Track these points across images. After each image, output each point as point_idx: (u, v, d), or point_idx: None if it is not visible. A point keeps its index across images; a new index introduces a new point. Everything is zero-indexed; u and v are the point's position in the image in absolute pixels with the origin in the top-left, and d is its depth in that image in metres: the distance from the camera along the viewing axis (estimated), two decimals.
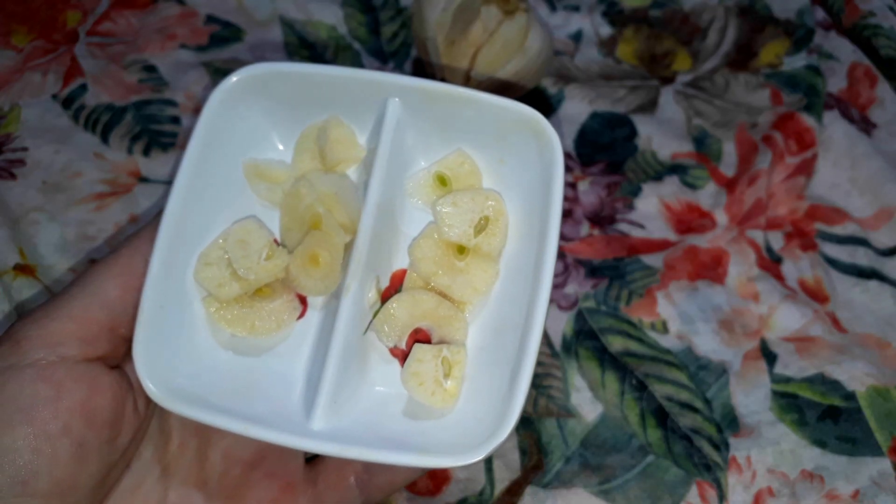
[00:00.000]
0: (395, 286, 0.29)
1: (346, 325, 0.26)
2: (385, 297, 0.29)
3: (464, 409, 0.27)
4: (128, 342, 0.25)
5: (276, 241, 0.29)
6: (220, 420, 0.24)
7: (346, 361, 0.26)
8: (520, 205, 0.29)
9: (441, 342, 0.28)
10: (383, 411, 0.27)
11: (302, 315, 0.29)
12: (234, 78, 0.27)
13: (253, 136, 0.29)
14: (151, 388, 0.25)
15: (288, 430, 0.24)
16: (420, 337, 0.28)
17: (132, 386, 0.26)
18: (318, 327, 0.29)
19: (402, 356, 0.28)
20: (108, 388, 0.25)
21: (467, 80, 0.43)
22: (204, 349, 0.28)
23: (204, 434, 0.29)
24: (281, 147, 0.30)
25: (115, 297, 0.25)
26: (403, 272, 0.29)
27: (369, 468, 0.29)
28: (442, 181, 0.29)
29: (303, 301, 0.29)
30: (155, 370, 0.25)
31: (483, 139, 0.28)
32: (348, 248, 0.28)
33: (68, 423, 0.23)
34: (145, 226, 0.27)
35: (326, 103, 0.29)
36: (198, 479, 0.28)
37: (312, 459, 0.31)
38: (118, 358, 0.26)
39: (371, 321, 0.28)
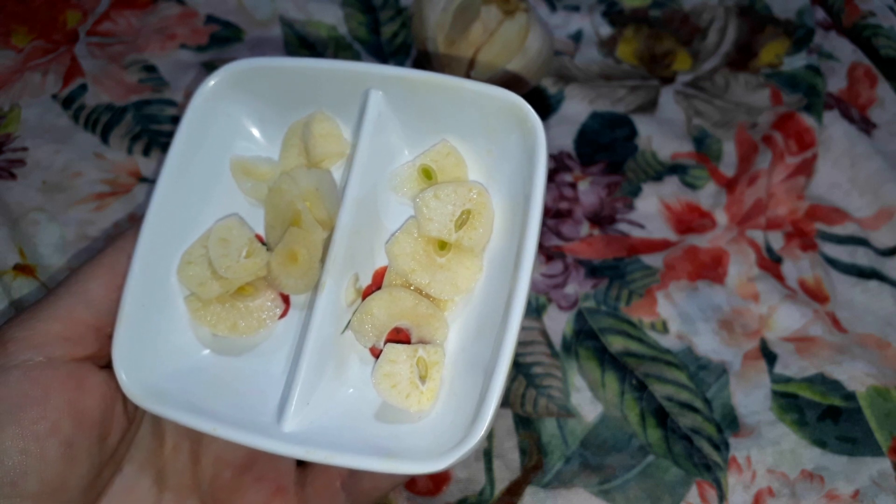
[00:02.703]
0: (377, 284, 0.28)
1: (321, 323, 0.25)
2: (366, 295, 0.28)
3: (441, 414, 0.26)
4: None
5: (260, 238, 0.29)
6: (190, 419, 0.24)
7: (321, 362, 0.26)
8: (507, 197, 0.28)
9: (420, 342, 0.27)
10: (359, 413, 0.26)
11: (284, 314, 0.29)
12: (214, 79, 0.27)
13: (239, 133, 0.29)
14: (127, 384, 0.25)
15: (256, 430, 0.24)
16: (400, 337, 0.28)
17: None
18: (299, 326, 0.28)
19: None
20: (96, 388, 0.25)
21: None
22: (185, 348, 0.27)
23: (196, 437, 0.29)
24: (267, 144, 0.30)
25: (100, 297, 0.26)
26: (385, 269, 0.28)
27: (354, 473, 0.29)
28: (427, 174, 0.28)
29: (286, 300, 0.29)
30: (133, 368, 0.25)
31: (469, 129, 0.27)
32: (327, 244, 0.27)
33: (56, 424, 0.23)
34: (131, 227, 0.27)
35: (312, 98, 0.28)
36: (192, 483, 0.28)
37: (303, 463, 0.30)
38: (107, 357, 0.26)
39: (349, 320, 0.27)
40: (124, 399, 0.26)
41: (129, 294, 0.25)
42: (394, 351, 0.26)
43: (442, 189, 0.27)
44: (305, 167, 0.29)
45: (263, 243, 0.29)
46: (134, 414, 0.27)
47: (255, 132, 0.30)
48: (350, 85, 0.27)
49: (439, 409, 0.26)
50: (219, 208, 0.29)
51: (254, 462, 0.29)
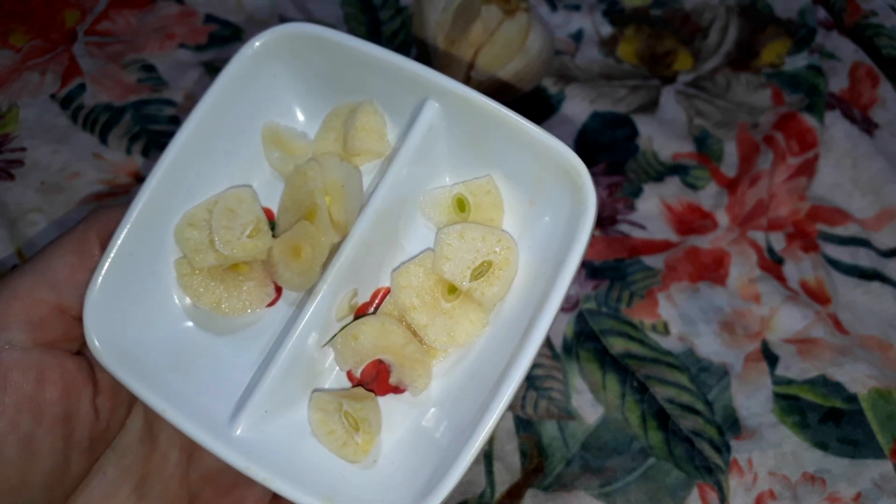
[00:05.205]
0: (375, 305, 0.27)
1: (305, 331, 0.24)
2: (359, 313, 0.26)
3: (396, 468, 0.24)
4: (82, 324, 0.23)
5: (271, 215, 0.27)
6: (145, 392, 0.23)
7: (292, 370, 0.24)
8: (536, 256, 0.25)
9: (399, 383, 0.26)
10: (314, 438, 0.25)
11: (273, 303, 0.27)
12: (267, 37, 0.25)
13: (279, 101, 0.27)
14: (94, 339, 0.23)
15: (205, 425, 0.23)
16: (379, 369, 0.26)
17: (92, 375, 0.24)
18: (283, 322, 0.26)
19: (357, 384, 0.26)
20: (58, 380, 0.23)
21: (467, 81, 0.43)
22: (164, 313, 0.25)
23: (189, 449, 0.27)
24: (305, 119, 0.28)
25: (64, 276, 0.24)
26: (387, 291, 0.27)
27: None
28: (461, 205, 0.26)
29: (278, 289, 0.27)
30: (104, 322, 0.23)
31: (517, 172, 0.25)
32: (335, 249, 0.25)
33: (15, 419, 0.22)
34: (104, 206, 0.25)
35: (366, 85, 0.26)
36: (175, 497, 0.27)
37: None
38: (75, 342, 0.24)
39: (334, 335, 0.26)
40: (94, 391, 0.24)
41: (121, 237, 0.23)
42: (321, 400, 0.25)
43: (469, 230, 0.25)
44: (338, 157, 0.27)
45: (272, 220, 0.27)
46: (109, 406, 0.25)
47: (296, 104, 0.28)
48: (409, 86, 0.25)
49: (396, 461, 0.24)
50: (237, 174, 0.27)
51: (235, 486, 0.27)
